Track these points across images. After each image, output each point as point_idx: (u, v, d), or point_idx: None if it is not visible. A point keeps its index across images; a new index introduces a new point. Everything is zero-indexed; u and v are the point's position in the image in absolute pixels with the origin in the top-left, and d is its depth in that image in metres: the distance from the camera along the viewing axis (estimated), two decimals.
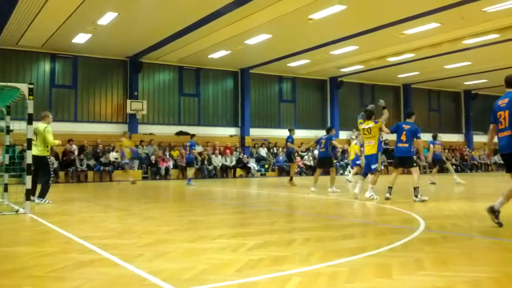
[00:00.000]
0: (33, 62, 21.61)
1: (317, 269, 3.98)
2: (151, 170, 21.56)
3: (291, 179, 16.09)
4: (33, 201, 9.18)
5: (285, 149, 18.17)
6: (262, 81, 27.08)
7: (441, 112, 33.09)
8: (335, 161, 15.25)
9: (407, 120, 10.58)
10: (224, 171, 23.40)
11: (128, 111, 22.80)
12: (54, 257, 4.54)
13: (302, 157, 25.59)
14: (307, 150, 21.10)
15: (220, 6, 15.55)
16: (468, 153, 30.68)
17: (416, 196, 9.74)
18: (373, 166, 10.35)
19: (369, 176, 10.63)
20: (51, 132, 9.72)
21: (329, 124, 28.53)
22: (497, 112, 6.23)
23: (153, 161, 21.57)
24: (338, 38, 19.81)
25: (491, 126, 6.46)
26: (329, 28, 18.24)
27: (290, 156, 16.62)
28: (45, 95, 21.37)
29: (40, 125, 9.75)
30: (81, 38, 19.48)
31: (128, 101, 22.85)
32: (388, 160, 27.45)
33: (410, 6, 15.75)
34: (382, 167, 10.72)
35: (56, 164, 18.67)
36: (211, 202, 11.16)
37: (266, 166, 24.82)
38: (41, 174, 9.83)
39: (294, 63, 24.63)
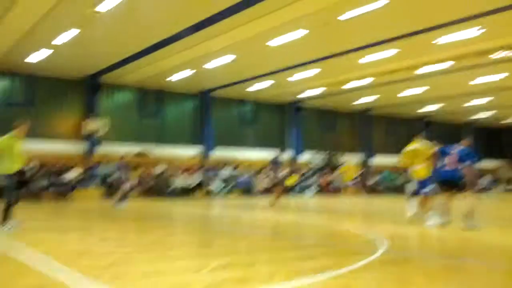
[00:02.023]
0: None
1: None
2: (109, 190, 21.06)
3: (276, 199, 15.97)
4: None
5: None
6: (223, 104, 27.13)
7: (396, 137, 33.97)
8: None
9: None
10: (185, 192, 23.12)
11: (85, 131, 22.34)
12: (5, 283, 4.35)
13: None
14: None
15: (179, 30, 15.58)
16: None
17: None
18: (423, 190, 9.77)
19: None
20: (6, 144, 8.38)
21: (290, 147, 28.87)
22: None
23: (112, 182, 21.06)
24: (297, 64, 20.16)
25: None
26: (290, 53, 18.54)
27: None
28: None
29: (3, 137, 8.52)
30: (37, 56, 18.89)
31: (86, 120, 22.42)
32: None
33: (368, 34, 16.27)
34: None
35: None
36: (172, 223, 11.00)
37: (229, 186, 24.73)
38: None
39: (253, 87, 24.84)
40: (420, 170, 9.77)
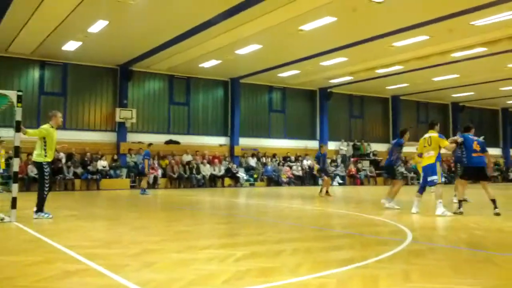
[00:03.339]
0: (22, 69, 21.44)
1: (305, 281, 3.98)
2: (139, 179, 21.41)
3: (326, 192, 15.77)
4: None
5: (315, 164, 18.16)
6: (252, 91, 27.12)
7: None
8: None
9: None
10: (213, 181, 23.33)
11: (117, 119, 22.68)
12: (39, 267, 4.49)
13: (290, 168, 25.64)
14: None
15: (210, 16, 15.59)
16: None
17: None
18: (429, 179, 9.70)
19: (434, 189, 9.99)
20: (43, 133, 8.60)
21: (318, 135, 28.69)
22: None
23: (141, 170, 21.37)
24: (328, 50, 19.92)
25: None
26: (319, 39, 18.36)
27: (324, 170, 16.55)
28: (33, 103, 21.17)
29: (43, 126, 8.81)
30: (71, 46, 19.38)
31: (117, 109, 22.75)
32: (376, 171, 27.68)
33: (399, 18, 15.92)
34: (443, 179, 9.80)
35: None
36: (200, 212, 11.12)
37: (255, 176, 24.80)
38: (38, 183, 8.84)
39: (284, 74, 24.72)
40: (429, 158, 9.70)
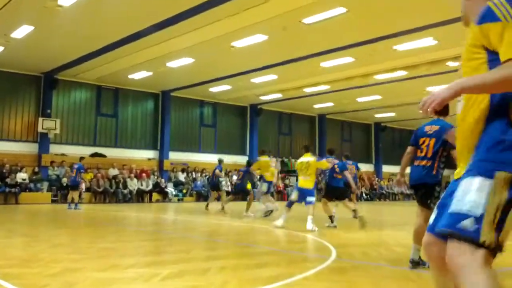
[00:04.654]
0: None
1: None
2: (61, 193, 20.48)
3: (222, 208, 15.64)
4: None
5: (211, 178, 18.31)
6: (183, 105, 26.95)
7: (352, 143, 34.68)
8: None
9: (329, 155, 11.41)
10: (140, 196, 22.76)
11: (40, 129, 21.62)
12: None
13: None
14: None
15: (142, 28, 15.39)
16: (377, 183, 32.31)
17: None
18: (308, 199, 10.23)
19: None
20: None
21: (248, 150, 28.95)
22: (419, 138, 5.82)
23: (64, 184, 20.47)
24: (258, 67, 20.29)
25: (410, 148, 5.96)
26: (251, 57, 18.65)
27: (217, 184, 17.05)
28: None
29: None
30: None
31: (40, 119, 21.71)
32: None
33: (327, 40, 16.55)
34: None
35: None
36: (125, 229, 10.82)
37: (184, 191, 24.53)
38: None
39: (215, 88, 24.81)
40: (306, 181, 10.39)
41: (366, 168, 34.56)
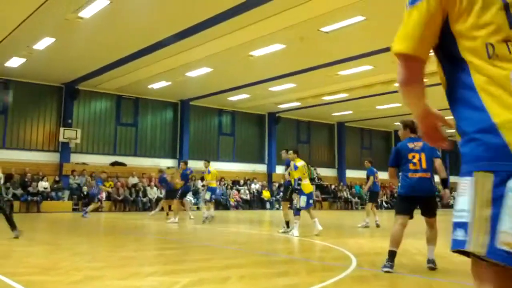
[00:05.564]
0: None
1: None
2: (83, 201, 20.71)
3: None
4: None
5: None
6: (202, 113, 27.11)
7: (372, 150, 34.38)
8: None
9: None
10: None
11: (61, 139, 21.96)
12: None
13: (238, 191, 25.61)
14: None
15: (161, 38, 15.58)
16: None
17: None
18: (311, 201, 10.51)
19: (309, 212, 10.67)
20: None
21: (266, 159, 28.93)
22: (407, 153, 6.20)
23: (85, 192, 20.73)
24: (276, 76, 20.33)
25: (392, 171, 6.43)
26: (269, 65, 18.70)
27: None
28: None
29: None
30: (14, 62, 18.72)
31: (61, 129, 22.05)
32: (322, 196, 28.17)
33: (345, 48, 16.50)
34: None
35: None
36: (145, 237, 10.88)
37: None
38: None
39: (234, 97, 24.91)
40: (309, 185, 10.57)
41: (385, 175, 34.23)
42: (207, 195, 14.28)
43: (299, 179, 10.39)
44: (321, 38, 15.31)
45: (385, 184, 29.94)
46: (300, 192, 10.36)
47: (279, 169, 28.48)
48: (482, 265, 1.49)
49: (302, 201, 10.27)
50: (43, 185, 20.12)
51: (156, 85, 22.42)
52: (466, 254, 1.50)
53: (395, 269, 6.18)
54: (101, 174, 18.65)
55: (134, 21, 14.34)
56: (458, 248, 1.49)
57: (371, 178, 13.34)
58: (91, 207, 17.18)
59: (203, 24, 14.17)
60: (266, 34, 14.87)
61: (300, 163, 10.56)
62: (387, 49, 16.34)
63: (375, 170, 13.46)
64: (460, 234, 1.49)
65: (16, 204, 19.02)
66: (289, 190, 11.21)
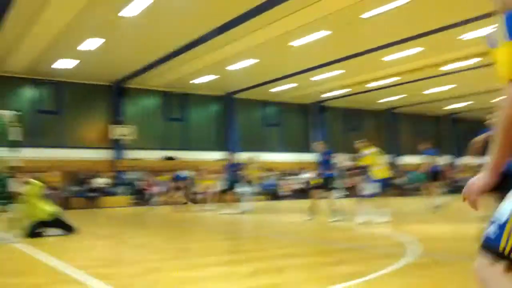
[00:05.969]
0: (16, 88, 21.35)
1: None
2: (137, 196, 21.28)
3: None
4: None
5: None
6: (247, 106, 27.23)
7: (423, 135, 33.36)
8: None
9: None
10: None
11: (113, 136, 22.65)
12: None
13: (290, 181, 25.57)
14: None
15: (203, 33, 15.72)
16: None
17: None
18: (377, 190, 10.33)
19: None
20: None
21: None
22: None
23: (139, 188, 21.24)
24: (320, 64, 20.08)
25: None
26: (312, 54, 18.49)
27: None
28: (28, 121, 21.03)
29: None
30: (66, 64, 19.40)
31: (113, 126, 22.73)
32: None
33: (390, 32, 16.10)
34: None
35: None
36: (200, 229, 11.05)
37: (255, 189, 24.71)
38: None
39: (277, 88, 24.83)
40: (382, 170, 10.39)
41: (443, 160, 33.26)
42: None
43: (367, 166, 10.25)
44: (364, 24, 14.99)
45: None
46: (368, 179, 10.19)
47: None
48: (499, 268, 1.59)
49: (371, 187, 10.09)
50: (100, 181, 20.84)
51: (201, 80, 22.67)
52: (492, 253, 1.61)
53: (456, 255, 6.00)
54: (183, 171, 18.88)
55: (176, 17, 14.54)
56: (490, 244, 1.59)
57: (431, 158, 13.13)
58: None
59: (244, 16, 14.19)
60: (308, 22, 14.72)
61: (369, 151, 10.42)
62: (433, 31, 15.83)
63: (433, 151, 13.19)
64: (491, 232, 1.61)
65: (75, 200, 19.81)
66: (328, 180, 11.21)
